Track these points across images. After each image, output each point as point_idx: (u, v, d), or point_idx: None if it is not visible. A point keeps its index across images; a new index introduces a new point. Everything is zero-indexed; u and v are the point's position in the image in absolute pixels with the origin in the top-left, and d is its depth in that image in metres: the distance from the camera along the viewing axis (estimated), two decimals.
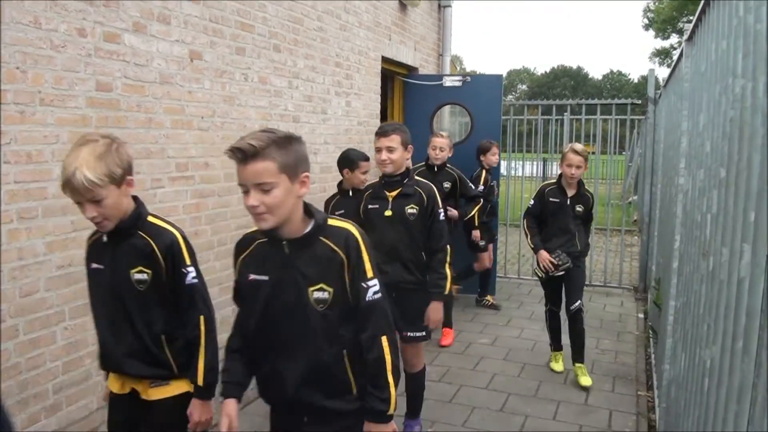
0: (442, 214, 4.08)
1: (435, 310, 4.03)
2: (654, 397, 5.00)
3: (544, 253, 5.36)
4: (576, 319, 5.35)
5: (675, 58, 4.95)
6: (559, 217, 5.43)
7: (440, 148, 6.08)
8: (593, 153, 10.63)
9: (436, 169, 6.11)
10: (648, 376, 5.63)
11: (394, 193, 4.05)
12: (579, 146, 5.36)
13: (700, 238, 2.85)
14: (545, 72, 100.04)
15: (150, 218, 2.62)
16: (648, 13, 39.41)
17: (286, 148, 2.13)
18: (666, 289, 4.49)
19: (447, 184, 6.12)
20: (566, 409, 4.92)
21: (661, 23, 36.42)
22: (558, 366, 5.70)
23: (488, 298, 7.74)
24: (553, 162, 16.73)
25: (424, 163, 6.20)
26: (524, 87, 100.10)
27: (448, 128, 8.68)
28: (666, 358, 4.05)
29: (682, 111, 3.97)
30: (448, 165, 6.23)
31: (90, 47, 3.31)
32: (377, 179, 4.21)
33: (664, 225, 5.60)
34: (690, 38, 3.84)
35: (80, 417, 3.40)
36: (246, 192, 2.13)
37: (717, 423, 2.03)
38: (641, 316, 7.56)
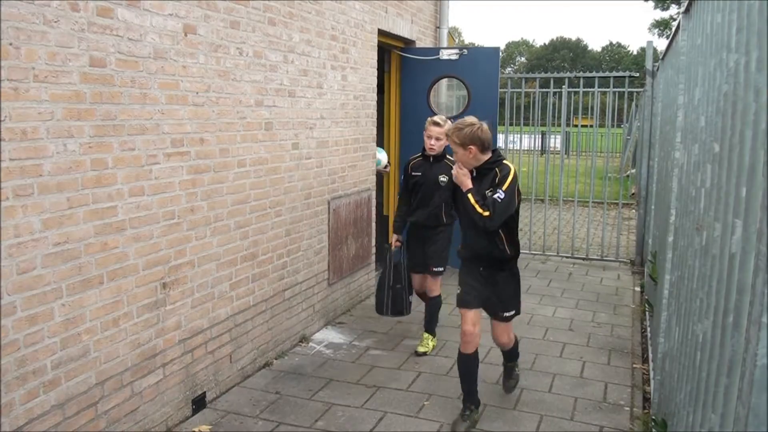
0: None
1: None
2: (649, 369, 5.05)
3: None
4: None
5: (673, 30, 4.92)
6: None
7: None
8: (591, 126, 10.61)
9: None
10: (643, 349, 5.68)
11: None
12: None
13: (695, 212, 2.86)
14: (544, 44, 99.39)
15: None
16: None
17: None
18: (661, 262, 4.52)
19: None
20: (561, 381, 4.96)
21: None
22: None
23: None
24: (552, 135, 16.72)
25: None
26: (523, 59, 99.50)
27: (445, 102, 8.66)
28: (661, 332, 4.08)
29: (679, 84, 3.95)
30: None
31: (83, 22, 3.28)
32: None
33: (661, 199, 5.61)
34: (687, 11, 3.81)
35: (79, 392, 3.43)
36: None
37: (708, 396, 2.06)
38: (637, 289, 7.60)
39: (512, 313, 4.36)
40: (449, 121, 5.07)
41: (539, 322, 6.36)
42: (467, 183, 4.08)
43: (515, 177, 4.06)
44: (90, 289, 3.45)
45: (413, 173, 5.52)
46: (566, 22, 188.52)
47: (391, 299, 5.62)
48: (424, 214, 5.46)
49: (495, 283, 4.27)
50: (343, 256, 6.41)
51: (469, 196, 4.01)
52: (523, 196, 11.80)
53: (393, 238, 5.68)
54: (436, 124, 5.30)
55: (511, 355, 4.71)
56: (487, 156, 4.11)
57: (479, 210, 3.97)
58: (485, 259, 4.26)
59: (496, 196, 3.96)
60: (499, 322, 4.39)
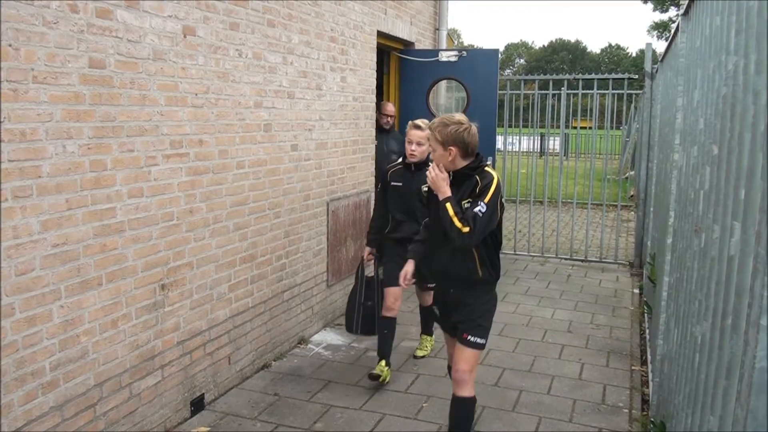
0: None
1: None
2: (648, 371, 5.05)
3: None
4: None
5: (672, 32, 4.92)
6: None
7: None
8: (590, 128, 10.62)
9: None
10: (642, 351, 5.68)
11: None
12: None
13: (693, 214, 2.86)
14: (543, 46, 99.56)
15: None
16: None
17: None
18: (660, 265, 4.52)
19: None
20: (560, 383, 4.96)
21: None
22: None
23: None
24: (551, 136, 16.73)
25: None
26: (522, 61, 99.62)
27: (444, 103, 8.66)
28: (659, 334, 4.08)
29: (678, 87, 3.96)
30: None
31: (82, 23, 3.28)
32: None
33: (660, 201, 5.61)
34: (686, 13, 3.81)
35: (78, 393, 3.43)
36: None
37: (707, 398, 2.06)
38: (636, 291, 7.60)
39: (478, 341, 3.62)
40: None
41: (538, 324, 6.36)
42: (446, 189, 3.50)
43: (499, 187, 3.50)
44: (89, 290, 3.44)
45: (393, 183, 4.98)
46: (565, 24, 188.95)
47: (362, 317, 5.21)
48: (412, 229, 4.71)
49: (466, 305, 3.64)
50: (342, 257, 6.41)
51: (448, 206, 3.43)
52: (521, 198, 11.61)
53: (365, 252, 5.22)
54: (417, 127, 4.77)
55: None
56: (468, 161, 3.57)
57: (458, 224, 3.38)
58: (457, 281, 3.67)
59: (477, 209, 3.38)
60: (463, 347, 3.64)
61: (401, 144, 7.37)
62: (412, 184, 4.90)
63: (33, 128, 3.06)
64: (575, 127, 16.65)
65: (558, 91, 10.00)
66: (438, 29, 8.86)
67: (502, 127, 9.76)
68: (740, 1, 1.93)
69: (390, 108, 7.35)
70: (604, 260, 9.07)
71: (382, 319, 5.04)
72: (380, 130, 7.31)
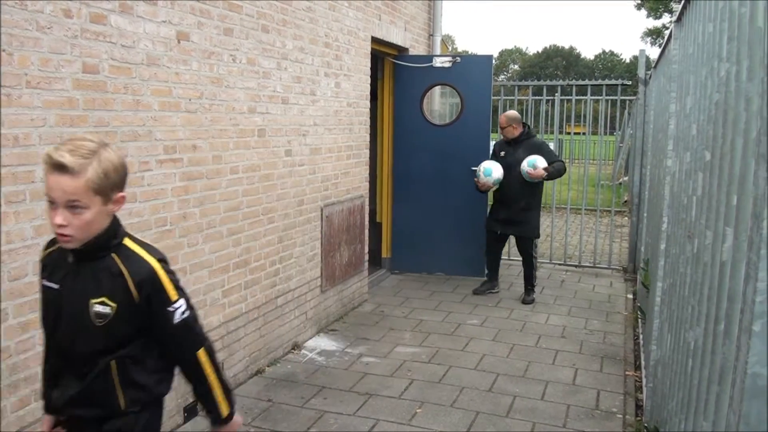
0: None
1: None
2: (642, 377, 5.06)
3: None
4: None
5: (665, 38, 4.94)
6: None
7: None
8: (584, 133, 10.65)
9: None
10: (636, 356, 5.69)
11: None
12: None
13: (686, 220, 2.87)
14: (537, 52, 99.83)
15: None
16: None
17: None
18: (654, 270, 4.53)
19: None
20: (554, 389, 4.97)
21: (653, 2, 36.26)
22: None
23: None
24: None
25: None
26: (516, 67, 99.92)
27: (438, 109, 8.67)
28: (653, 339, 4.09)
29: (671, 93, 3.97)
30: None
31: (76, 28, 3.28)
32: None
33: (653, 206, 5.63)
34: (679, 20, 3.83)
35: None
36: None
37: (699, 403, 2.06)
38: (630, 296, 7.62)
39: None
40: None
41: (532, 329, 6.36)
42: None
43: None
44: None
45: (48, 282, 2.27)
46: (559, 30, 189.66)
47: None
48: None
49: None
50: (336, 263, 6.41)
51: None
52: None
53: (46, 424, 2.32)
54: (61, 168, 2.03)
55: None
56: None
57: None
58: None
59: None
60: None
61: (530, 150, 7.17)
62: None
63: (26, 133, 3.05)
64: (569, 133, 16.72)
65: (552, 97, 10.02)
66: (432, 35, 8.88)
67: (496, 132, 9.78)
68: (733, 2, 1.94)
69: (506, 118, 7.28)
70: (597, 265, 9.09)
71: None
72: (507, 142, 7.31)
